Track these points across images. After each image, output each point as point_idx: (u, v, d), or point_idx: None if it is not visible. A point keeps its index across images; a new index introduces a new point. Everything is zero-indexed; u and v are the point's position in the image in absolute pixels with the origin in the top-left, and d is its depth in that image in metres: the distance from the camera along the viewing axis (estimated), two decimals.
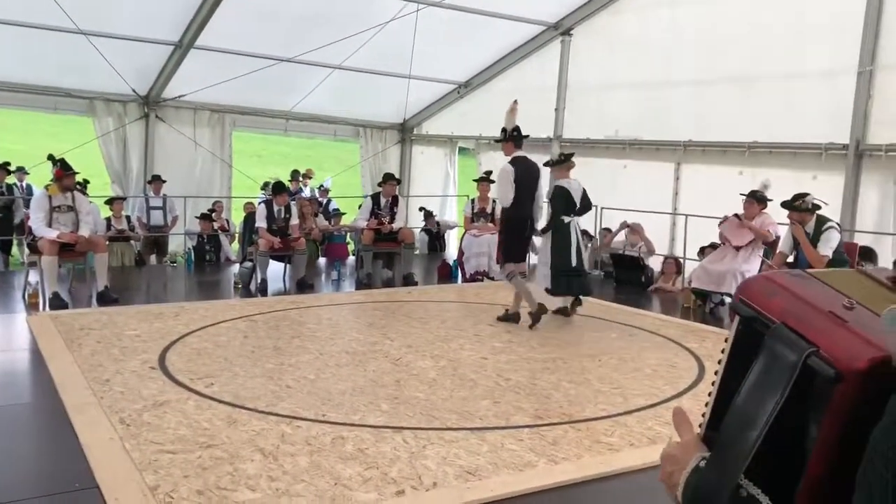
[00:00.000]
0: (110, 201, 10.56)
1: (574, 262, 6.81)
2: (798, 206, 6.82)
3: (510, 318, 6.79)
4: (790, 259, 7.08)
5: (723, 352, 0.99)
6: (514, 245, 6.85)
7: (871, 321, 0.85)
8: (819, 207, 6.87)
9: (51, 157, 7.61)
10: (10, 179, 11.71)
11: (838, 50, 7.99)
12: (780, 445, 0.85)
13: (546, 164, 7.41)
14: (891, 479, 0.71)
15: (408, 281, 9.03)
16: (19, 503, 3.19)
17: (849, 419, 0.81)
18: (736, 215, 7.48)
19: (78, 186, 8.09)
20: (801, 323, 0.87)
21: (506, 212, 6.80)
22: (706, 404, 1.02)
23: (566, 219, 6.89)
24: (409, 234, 9.47)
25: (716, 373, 1.01)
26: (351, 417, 4.22)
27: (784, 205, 6.94)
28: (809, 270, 0.98)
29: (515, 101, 6.90)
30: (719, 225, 7.70)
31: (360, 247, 9.47)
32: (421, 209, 12.61)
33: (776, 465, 0.86)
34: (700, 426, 1.02)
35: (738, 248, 7.47)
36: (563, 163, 7.23)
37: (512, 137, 6.80)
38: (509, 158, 6.74)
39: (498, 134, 7.04)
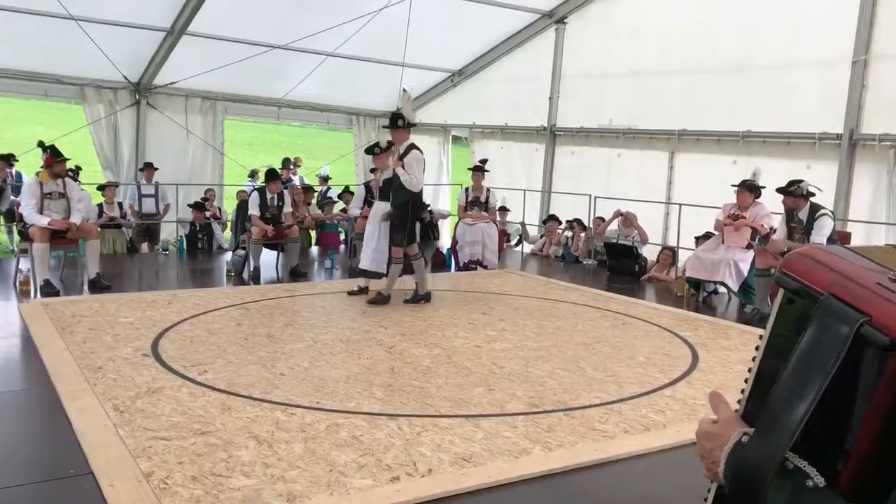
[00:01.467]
0: (102, 188, 10.51)
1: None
2: (793, 191, 6.84)
3: (419, 298, 7.12)
4: (785, 249, 7.09)
5: (764, 327, 0.99)
6: (413, 228, 7.07)
7: None
8: (813, 195, 6.89)
9: (41, 144, 7.55)
10: None
11: (833, 39, 8.00)
12: (825, 418, 0.84)
13: (368, 152, 7.61)
14: None
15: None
16: (13, 489, 3.18)
17: None
18: (731, 216, 7.45)
19: (70, 173, 8.03)
20: (850, 294, 0.86)
21: (412, 195, 6.95)
22: (745, 380, 1.01)
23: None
24: None
25: (756, 348, 1.00)
26: (345, 405, 4.22)
27: (779, 190, 6.96)
28: (847, 245, 0.99)
29: (405, 90, 7.28)
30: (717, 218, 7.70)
31: (354, 235, 9.44)
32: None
33: (822, 438, 0.85)
34: (739, 402, 1.01)
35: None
36: (388, 150, 7.28)
37: (410, 125, 7.02)
38: (408, 143, 6.97)
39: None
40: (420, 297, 7.11)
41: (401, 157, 6.89)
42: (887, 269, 0.90)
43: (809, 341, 0.87)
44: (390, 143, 7.23)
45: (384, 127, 7.30)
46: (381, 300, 6.97)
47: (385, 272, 7.13)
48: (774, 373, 0.91)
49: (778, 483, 0.85)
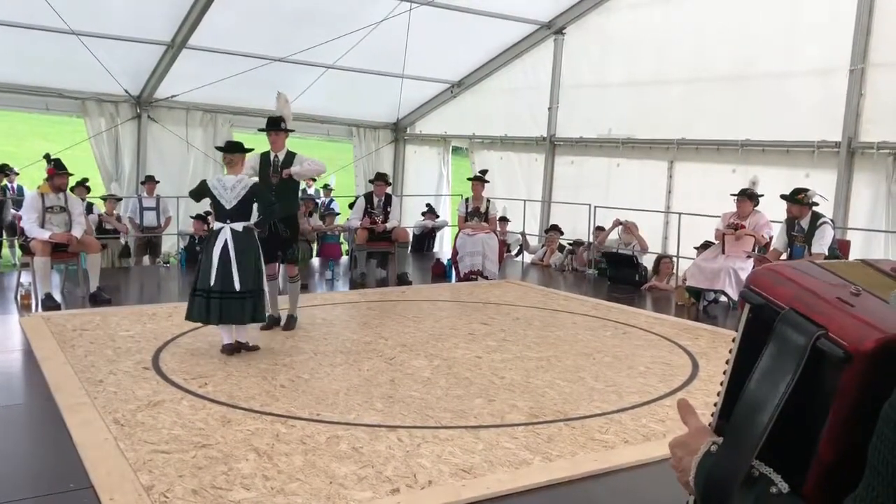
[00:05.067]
0: (105, 198, 10.56)
1: (214, 281, 5.35)
2: (800, 199, 6.84)
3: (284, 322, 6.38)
4: (784, 256, 7.10)
5: (734, 341, 1.01)
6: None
7: (879, 307, 0.87)
8: (817, 204, 6.90)
9: (46, 156, 7.58)
10: (2, 181, 11.66)
11: (830, 48, 8.03)
12: (789, 428, 0.87)
13: (218, 148, 6.31)
14: None
15: (402, 280, 9.02)
16: (14, 503, 3.18)
17: (858, 400, 0.82)
18: (731, 225, 7.46)
19: (80, 187, 8.03)
20: (809, 308, 0.89)
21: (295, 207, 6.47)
22: (717, 394, 1.03)
23: (217, 224, 5.62)
24: (403, 234, 9.46)
25: (727, 362, 1.02)
26: (346, 416, 4.22)
27: (786, 198, 6.96)
28: (816, 261, 1.00)
29: (280, 93, 6.46)
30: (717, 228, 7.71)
31: (354, 246, 9.45)
32: (427, 205, 12.66)
33: (786, 447, 0.88)
34: (712, 415, 1.03)
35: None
36: (233, 151, 5.80)
37: (290, 130, 6.41)
38: (286, 150, 6.29)
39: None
40: (276, 321, 6.37)
41: (283, 167, 6.17)
42: (851, 283, 0.92)
43: (772, 353, 0.89)
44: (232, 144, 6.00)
45: (260, 130, 6.47)
46: (290, 324, 6.36)
47: None
48: (740, 389, 0.93)
49: (744, 490, 0.87)
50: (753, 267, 7.27)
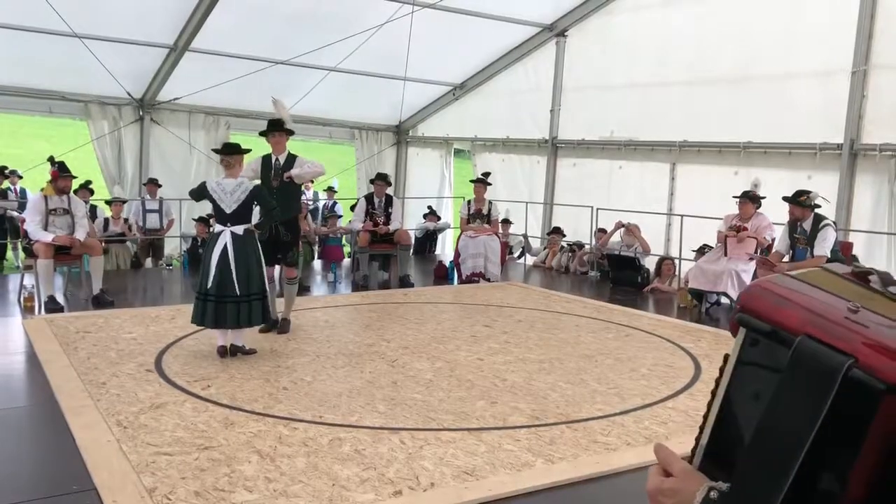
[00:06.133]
0: (110, 202, 10.58)
1: (210, 285, 5.37)
2: (802, 201, 6.83)
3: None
4: (786, 258, 7.10)
5: (721, 371, 0.91)
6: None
7: (884, 324, 0.81)
8: (819, 206, 6.90)
9: (50, 159, 7.60)
10: (5, 184, 11.69)
11: (832, 50, 8.03)
12: (810, 464, 0.79)
13: (216, 151, 6.10)
14: None
15: (404, 283, 9.02)
16: None
17: (893, 432, 0.75)
18: (733, 227, 7.45)
19: (83, 190, 8.06)
20: (826, 333, 0.80)
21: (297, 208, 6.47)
22: (700, 428, 0.93)
23: (217, 227, 5.61)
24: (405, 236, 9.47)
25: (713, 393, 0.92)
26: (348, 419, 4.22)
27: (788, 199, 6.95)
28: (789, 273, 0.92)
29: (275, 98, 6.48)
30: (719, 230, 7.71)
31: (357, 249, 9.46)
32: (429, 207, 12.68)
33: (805, 485, 0.79)
34: (694, 452, 0.94)
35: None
36: (231, 153, 5.67)
37: (291, 132, 6.39)
38: (287, 153, 6.30)
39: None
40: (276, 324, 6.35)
41: (284, 170, 6.19)
42: (842, 297, 0.85)
43: (789, 385, 0.81)
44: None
45: (261, 133, 6.46)
46: (284, 327, 6.34)
47: None
48: (737, 424, 0.85)
49: None
50: (755, 269, 7.27)
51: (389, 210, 9.29)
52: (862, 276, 0.91)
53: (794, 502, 0.79)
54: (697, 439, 0.93)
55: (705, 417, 0.92)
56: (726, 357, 0.92)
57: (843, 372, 0.77)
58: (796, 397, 0.80)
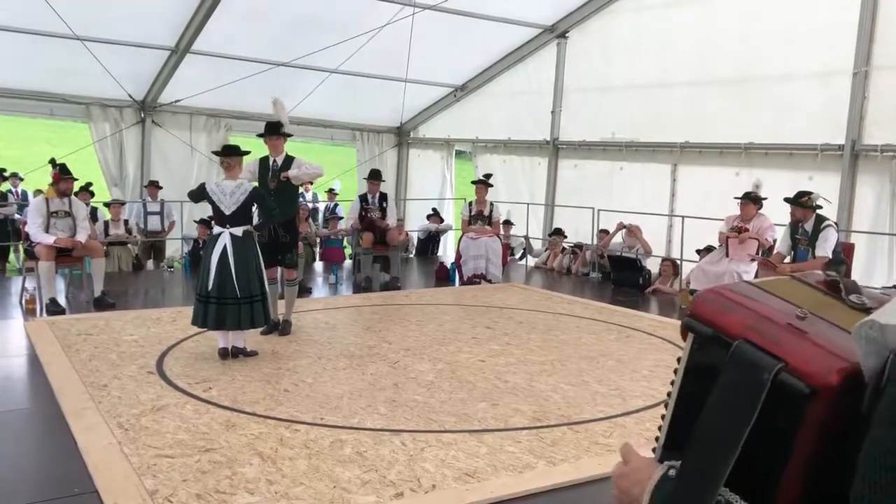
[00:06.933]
0: (109, 205, 10.59)
1: (211, 287, 5.36)
2: (804, 202, 6.82)
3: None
4: (787, 259, 7.09)
5: (675, 372, 0.95)
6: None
7: (828, 331, 0.84)
8: (820, 207, 6.89)
9: (52, 161, 7.61)
10: (5, 186, 11.70)
11: (833, 51, 8.02)
12: (748, 459, 0.83)
13: (216, 153, 6.09)
14: None
15: (390, 286, 8.98)
16: None
17: (823, 433, 0.79)
18: (734, 229, 7.44)
19: (83, 192, 8.06)
20: (763, 338, 0.84)
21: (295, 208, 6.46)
22: (659, 427, 0.98)
23: (217, 229, 5.59)
24: (395, 237, 9.40)
25: (668, 394, 0.97)
26: (349, 420, 4.22)
27: (790, 200, 6.94)
28: (749, 280, 0.96)
29: (276, 99, 6.47)
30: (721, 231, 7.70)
31: (360, 250, 9.45)
32: (433, 209, 12.69)
33: (749, 478, 0.83)
34: (656, 439, 0.98)
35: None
36: (230, 154, 5.68)
37: (288, 135, 6.40)
38: (284, 154, 6.30)
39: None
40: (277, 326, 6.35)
41: (282, 172, 6.18)
42: (795, 305, 0.88)
43: (726, 388, 0.85)
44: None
45: (259, 135, 6.47)
46: (285, 328, 6.33)
47: None
48: (689, 420, 0.88)
49: None
50: (757, 270, 7.27)
51: (384, 205, 9.31)
52: (833, 286, 0.94)
53: (734, 484, 0.83)
54: (657, 438, 0.98)
55: (663, 417, 0.97)
56: (679, 360, 0.96)
57: (772, 376, 0.80)
58: (730, 400, 0.83)
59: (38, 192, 11.55)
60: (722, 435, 0.83)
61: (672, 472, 0.90)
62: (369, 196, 9.36)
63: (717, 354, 0.87)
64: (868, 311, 0.87)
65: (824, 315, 0.87)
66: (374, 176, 9.44)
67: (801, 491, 0.81)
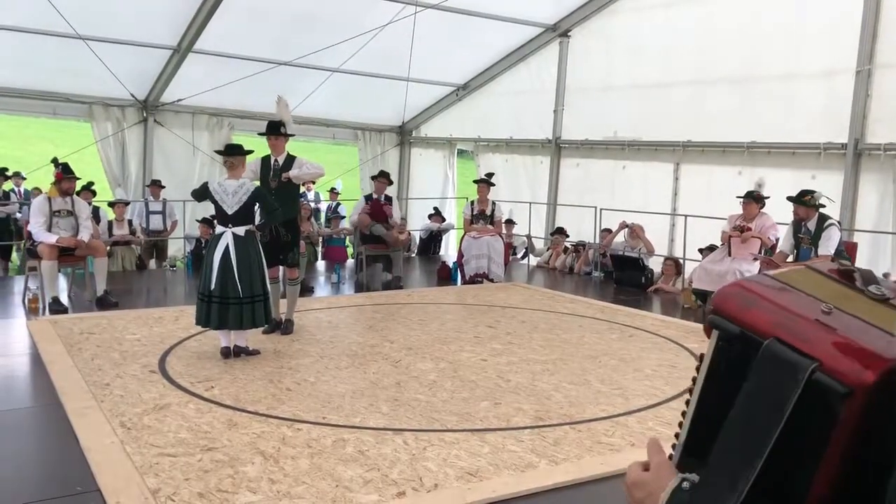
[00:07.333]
0: (113, 204, 10.60)
1: (213, 286, 5.36)
2: (806, 201, 6.81)
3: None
4: (790, 258, 7.08)
5: (697, 370, 0.93)
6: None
7: (855, 325, 0.82)
8: (823, 206, 6.88)
9: (54, 161, 7.61)
10: (8, 185, 11.71)
11: (836, 49, 8.01)
12: (776, 462, 0.81)
13: (218, 152, 6.18)
14: None
15: (392, 285, 8.97)
16: None
17: (857, 434, 0.77)
18: (736, 228, 7.43)
19: (85, 191, 8.06)
20: (793, 336, 0.82)
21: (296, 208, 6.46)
22: (679, 424, 0.95)
23: (219, 229, 5.56)
24: (395, 238, 9.39)
25: (689, 392, 0.94)
26: (351, 420, 4.22)
27: (792, 199, 6.93)
28: (768, 272, 0.93)
29: (280, 97, 6.44)
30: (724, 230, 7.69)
31: (361, 248, 9.44)
32: (434, 208, 12.69)
33: (773, 482, 0.82)
34: (673, 448, 0.96)
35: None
36: (234, 153, 5.66)
37: (290, 135, 6.38)
38: (286, 154, 6.31)
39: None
40: (279, 325, 6.33)
41: (283, 171, 6.19)
42: (817, 299, 0.86)
43: (756, 388, 0.83)
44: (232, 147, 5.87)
45: (260, 134, 6.48)
46: (287, 328, 6.32)
47: None
48: (712, 422, 0.86)
49: None
50: (759, 269, 7.25)
51: (389, 205, 9.33)
52: (846, 275, 0.92)
53: (760, 500, 0.81)
54: (677, 436, 0.95)
55: (683, 415, 0.95)
56: (702, 357, 0.93)
57: (807, 376, 0.78)
58: (761, 400, 0.81)
59: (35, 190, 11.58)
60: (752, 436, 0.81)
61: (686, 485, 0.88)
62: (375, 196, 9.36)
63: (745, 353, 0.85)
64: (888, 301, 0.86)
65: (847, 308, 0.85)
66: (383, 175, 9.46)
67: (831, 492, 0.79)
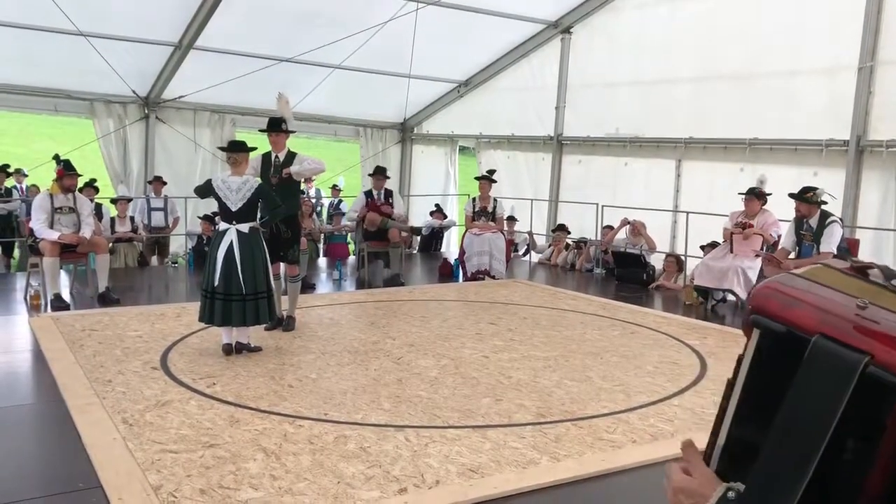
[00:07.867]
0: (115, 201, 10.60)
1: (217, 283, 5.37)
2: (808, 197, 6.80)
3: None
4: (792, 255, 7.08)
5: (736, 373, 0.92)
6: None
7: (893, 319, 0.82)
8: (825, 203, 6.87)
9: (56, 157, 7.62)
10: (10, 182, 11.72)
11: (839, 46, 7.99)
12: (824, 462, 0.80)
13: (221, 149, 6.24)
14: None
15: (393, 282, 8.97)
16: (23, 503, 3.19)
17: None
18: (738, 224, 7.42)
19: (88, 188, 8.06)
20: (839, 332, 0.82)
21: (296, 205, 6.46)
22: (714, 427, 0.94)
23: (223, 225, 5.56)
24: (396, 234, 9.38)
25: (726, 394, 0.93)
26: (353, 416, 4.22)
27: (795, 196, 6.92)
28: (794, 271, 0.93)
29: (281, 93, 6.44)
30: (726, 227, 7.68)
31: (364, 246, 9.44)
32: (436, 205, 12.70)
33: (819, 483, 0.80)
34: (708, 450, 0.95)
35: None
36: (237, 150, 5.68)
37: (291, 131, 6.41)
38: (286, 150, 6.32)
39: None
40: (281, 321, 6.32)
41: (283, 167, 6.20)
42: (849, 295, 0.86)
43: (807, 385, 0.82)
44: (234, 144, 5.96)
45: (261, 130, 6.50)
46: (289, 324, 6.35)
47: None
48: (755, 421, 0.85)
49: None
50: (761, 266, 7.25)
51: (390, 200, 9.32)
52: (861, 271, 0.92)
53: (813, 499, 0.79)
54: (713, 438, 0.94)
55: (720, 417, 0.93)
56: (740, 358, 0.92)
57: (861, 370, 0.78)
58: (813, 396, 0.80)
59: (33, 187, 11.59)
60: (802, 435, 0.80)
61: (731, 495, 0.86)
62: (374, 192, 9.36)
63: (791, 352, 0.85)
64: None
65: (880, 303, 0.85)
66: (379, 172, 9.45)
67: (884, 487, 0.78)
